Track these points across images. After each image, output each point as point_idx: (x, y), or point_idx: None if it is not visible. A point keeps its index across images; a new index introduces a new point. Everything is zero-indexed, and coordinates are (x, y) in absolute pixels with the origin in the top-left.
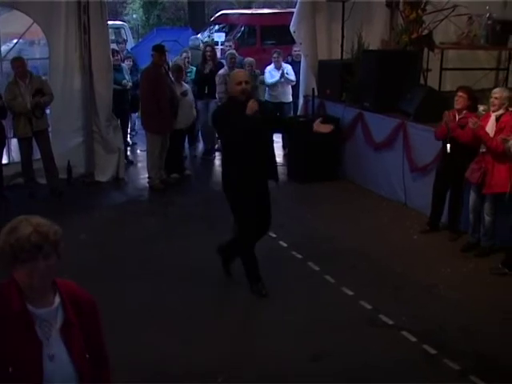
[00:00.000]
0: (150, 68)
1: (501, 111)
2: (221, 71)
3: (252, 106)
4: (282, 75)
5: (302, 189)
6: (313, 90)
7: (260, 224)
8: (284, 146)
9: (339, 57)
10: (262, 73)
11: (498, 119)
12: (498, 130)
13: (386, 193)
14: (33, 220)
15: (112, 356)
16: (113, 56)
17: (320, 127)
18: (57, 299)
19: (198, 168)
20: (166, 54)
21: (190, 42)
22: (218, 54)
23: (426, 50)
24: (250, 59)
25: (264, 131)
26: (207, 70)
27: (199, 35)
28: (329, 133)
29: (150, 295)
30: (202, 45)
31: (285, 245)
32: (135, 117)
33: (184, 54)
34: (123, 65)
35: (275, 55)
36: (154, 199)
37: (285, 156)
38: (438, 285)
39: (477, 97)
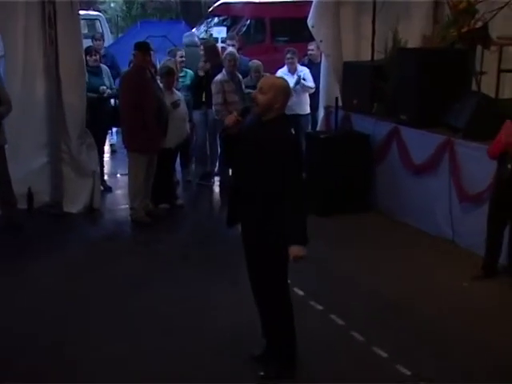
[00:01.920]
0: (131, 72)
1: None
2: (218, 77)
3: (228, 118)
4: (298, 81)
5: (323, 223)
6: (336, 99)
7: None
8: None
9: (369, 57)
10: None
11: None
12: None
13: (429, 228)
14: None
15: None
16: (90, 55)
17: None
18: None
19: (194, 196)
20: (153, 53)
21: (185, 39)
22: None
23: (479, 47)
24: (256, 63)
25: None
26: (202, 72)
27: (194, 30)
28: None
29: (128, 359)
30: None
31: (301, 293)
32: (115, 132)
33: (179, 54)
34: (103, 67)
35: (289, 56)
36: (137, 236)
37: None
38: (495, 346)
39: None
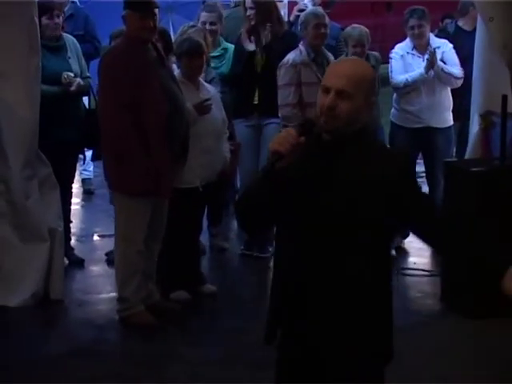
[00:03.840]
0: (120, 48)
1: None
2: (289, 56)
3: (279, 139)
4: (431, 65)
5: (478, 333)
6: (503, 99)
7: None
8: None
9: None
10: (386, 60)
11: None
12: None
13: None
14: None
15: None
16: (49, 17)
17: None
18: None
19: (234, 278)
20: (159, 13)
21: None
22: (284, 14)
23: None
24: (357, 29)
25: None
26: (249, 47)
27: None
28: None
29: None
30: None
31: None
32: (89, 158)
33: (203, 17)
34: (69, 38)
35: (414, 21)
36: (130, 350)
37: (436, 253)
38: None
39: None
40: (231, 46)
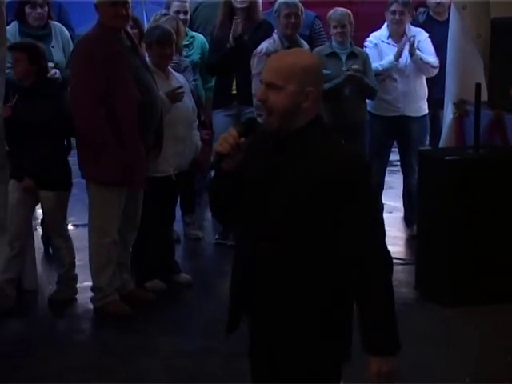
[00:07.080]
0: (91, 37)
1: None
2: (263, 45)
3: (221, 141)
4: (410, 54)
5: (453, 322)
6: (477, 87)
7: None
8: (409, 221)
9: None
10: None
11: None
12: None
13: None
14: None
15: None
16: (32, 7)
17: None
18: None
19: (209, 268)
20: (130, 2)
21: None
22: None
23: None
24: (339, 11)
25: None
26: (231, 42)
27: None
28: None
29: None
30: None
31: None
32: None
33: (175, 6)
34: (56, 26)
35: (397, 5)
36: (104, 340)
37: (410, 242)
38: None
39: None
40: (198, 35)
